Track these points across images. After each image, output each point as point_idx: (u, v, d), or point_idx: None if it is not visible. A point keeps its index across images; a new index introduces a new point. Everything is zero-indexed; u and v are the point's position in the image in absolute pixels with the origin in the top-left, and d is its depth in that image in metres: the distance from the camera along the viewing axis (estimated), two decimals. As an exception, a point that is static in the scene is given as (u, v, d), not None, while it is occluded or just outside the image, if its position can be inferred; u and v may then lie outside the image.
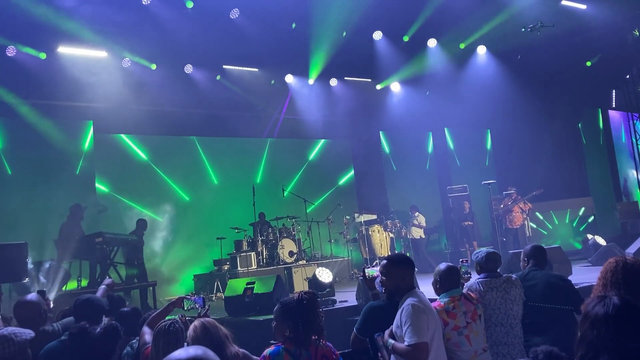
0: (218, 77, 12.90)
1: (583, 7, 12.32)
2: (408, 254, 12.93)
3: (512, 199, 13.25)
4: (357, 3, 10.75)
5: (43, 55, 10.62)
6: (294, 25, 11.48)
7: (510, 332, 4.37)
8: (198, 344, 3.25)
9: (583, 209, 14.53)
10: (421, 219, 13.72)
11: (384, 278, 3.91)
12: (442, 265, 4.28)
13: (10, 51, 10.31)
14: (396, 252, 13.13)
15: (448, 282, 4.15)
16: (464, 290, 4.34)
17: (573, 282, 4.98)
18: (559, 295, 4.57)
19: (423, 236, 13.85)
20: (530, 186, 13.59)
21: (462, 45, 13.36)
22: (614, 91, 18.10)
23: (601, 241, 11.26)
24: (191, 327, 3.53)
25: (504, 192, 13.52)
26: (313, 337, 3.38)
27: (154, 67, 11.88)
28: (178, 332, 3.58)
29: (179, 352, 1.75)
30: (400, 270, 3.82)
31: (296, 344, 3.32)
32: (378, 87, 15.06)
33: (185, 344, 3.79)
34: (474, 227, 14.25)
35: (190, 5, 10.36)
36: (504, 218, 13.22)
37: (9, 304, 6.64)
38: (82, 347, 3.55)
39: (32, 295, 4.30)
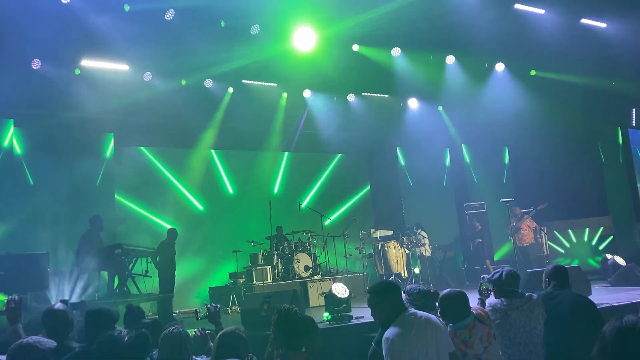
0: (230, 90, 12.98)
1: (603, 25, 12.29)
2: (418, 269, 13.04)
3: (518, 218, 13.25)
4: (375, 19, 10.83)
5: (77, 71, 10.86)
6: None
7: (533, 352, 4.34)
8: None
9: (602, 228, 14.34)
10: (424, 234, 13.71)
11: (372, 312, 3.82)
12: (446, 292, 4.18)
13: (35, 64, 10.53)
14: (412, 269, 13.09)
15: (456, 311, 4.03)
16: (487, 308, 4.32)
17: (592, 302, 4.94)
18: (585, 315, 4.53)
19: (430, 254, 13.78)
20: (549, 204, 13.48)
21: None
22: (633, 109, 17.94)
23: (621, 261, 11.11)
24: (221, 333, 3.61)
25: (509, 213, 13.43)
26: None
27: (184, 82, 12.08)
28: (182, 336, 3.63)
29: None
30: (385, 299, 3.71)
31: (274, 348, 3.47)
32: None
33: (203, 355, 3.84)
34: (484, 245, 14.17)
35: (223, 24, 10.53)
36: (513, 237, 13.18)
37: (30, 314, 6.71)
38: (112, 355, 3.55)
39: (59, 305, 4.38)
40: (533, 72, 14.00)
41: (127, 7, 9.67)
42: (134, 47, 10.49)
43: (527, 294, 4.58)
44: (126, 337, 3.48)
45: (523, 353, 4.32)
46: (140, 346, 3.60)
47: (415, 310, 3.63)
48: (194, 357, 3.80)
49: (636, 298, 7.94)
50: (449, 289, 4.27)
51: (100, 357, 3.40)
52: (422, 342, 3.41)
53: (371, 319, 7.41)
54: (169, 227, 11.62)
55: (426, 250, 13.55)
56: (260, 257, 12.04)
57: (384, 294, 3.72)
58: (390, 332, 3.46)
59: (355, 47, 12.11)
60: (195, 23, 10.40)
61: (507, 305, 4.41)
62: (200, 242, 13.16)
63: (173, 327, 3.67)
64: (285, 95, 13.84)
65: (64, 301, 4.65)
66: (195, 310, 4.73)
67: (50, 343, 3.44)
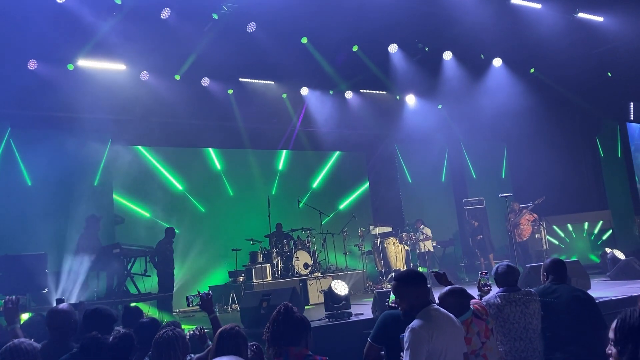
0: (230, 91, 13.03)
1: (600, 19, 12.26)
2: (420, 268, 13.04)
3: (516, 213, 13.27)
4: (372, 16, 10.81)
5: (71, 67, 10.81)
6: (305, 40, 11.66)
7: (530, 347, 4.32)
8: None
9: (601, 222, 14.35)
10: (427, 231, 13.67)
11: (397, 299, 3.69)
12: (446, 288, 4.11)
13: (32, 65, 10.50)
14: (411, 265, 13.09)
15: (456, 307, 3.94)
16: (482, 302, 4.30)
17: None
18: (583, 309, 4.51)
19: (432, 249, 13.77)
20: (548, 199, 13.48)
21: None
22: (632, 103, 17.94)
23: (620, 255, 11.12)
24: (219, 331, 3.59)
25: (508, 208, 13.40)
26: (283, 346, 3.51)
27: (177, 77, 12.04)
28: (171, 339, 3.61)
29: None
30: (412, 288, 3.59)
31: (271, 344, 3.55)
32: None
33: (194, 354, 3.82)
34: (484, 240, 14.18)
35: (215, 17, 10.49)
36: (513, 232, 13.18)
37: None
38: (95, 357, 3.54)
39: (64, 305, 4.43)
40: (532, 70, 13.98)
41: (118, 0, 9.60)
42: (130, 46, 10.46)
43: (524, 289, 4.56)
44: (110, 339, 3.49)
45: (519, 348, 4.31)
46: (124, 347, 3.59)
47: (438, 307, 3.60)
48: (191, 355, 3.78)
49: (636, 292, 7.94)
50: (448, 285, 4.24)
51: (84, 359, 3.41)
52: (443, 339, 3.41)
53: (370, 315, 7.46)
54: (167, 226, 11.61)
55: (425, 247, 13.54)
56: (260, 255, 12.02)
57: (410, 282, 3.63)
58: (415, 323, 3.43)
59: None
60: (191, 20, 10.37)
61: (500, 300, 4.40)
62: (199, 241, 13.13)
63: (164, 331, 3.64)
64: (283, 93, 13.83)
65: (59, 300, 4.64)
66: (187, 298, 4.66)
67: (36, 345, 3.44)
